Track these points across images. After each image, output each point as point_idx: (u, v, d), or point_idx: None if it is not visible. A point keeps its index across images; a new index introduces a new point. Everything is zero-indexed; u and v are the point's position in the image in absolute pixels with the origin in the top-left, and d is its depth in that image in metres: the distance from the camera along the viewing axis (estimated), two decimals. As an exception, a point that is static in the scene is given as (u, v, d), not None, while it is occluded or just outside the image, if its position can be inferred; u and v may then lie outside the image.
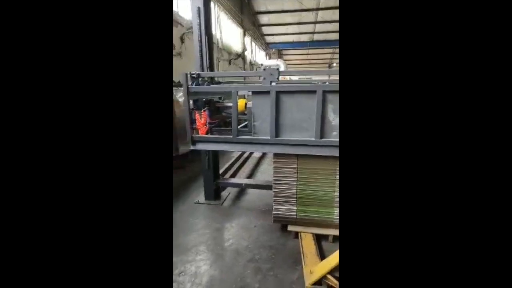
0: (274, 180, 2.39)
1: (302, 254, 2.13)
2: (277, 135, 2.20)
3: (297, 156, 2.28)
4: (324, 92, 2.03)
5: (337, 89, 2.10)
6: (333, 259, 1.75)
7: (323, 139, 2.14)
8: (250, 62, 12.50)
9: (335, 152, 2.13)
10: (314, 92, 2.03)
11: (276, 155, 2.32)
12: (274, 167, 2.36)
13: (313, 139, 2.14)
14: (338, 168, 2.22)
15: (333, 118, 2.13)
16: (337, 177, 2.25)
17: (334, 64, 22.57)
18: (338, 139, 2.12)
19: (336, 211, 2.33)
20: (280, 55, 21.11)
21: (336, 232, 2.36)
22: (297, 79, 5.15)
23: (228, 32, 9.14)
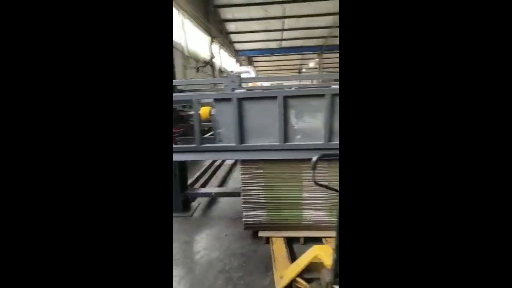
0: (243, 187, 2.37)
1: (272, 259, 2.13)
2: (242, 141, 2.20)
3: (263, 161, 2.29)
4: (285, 97, 2.09)
5: (299, 93, 2.17)
6: (302, 261, 1.77)
7: (287, 143, 2.18)
8: (220, 69, 12.48)
9: (300, 155, 2.18)
10: (275, 97, 2.08)
11: (242, 161, 2.31)
12: (242, 173, 2.35)
13: (277, 143, 2.17)
14: (304, 170, 2.27)
15: (296, 122, 2.19)
16: (304, 179, 2.30)
17: (304, 70, 23.43)
18: (301, 142, 2.19)
19: (305, 212, 2.38)
20: (250, 62, 21.40)
21: (306, 233, 2.40)
22: (269, 85, 5.25)
23: (194, 39, 9.04)
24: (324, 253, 1.61)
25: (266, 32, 14.83)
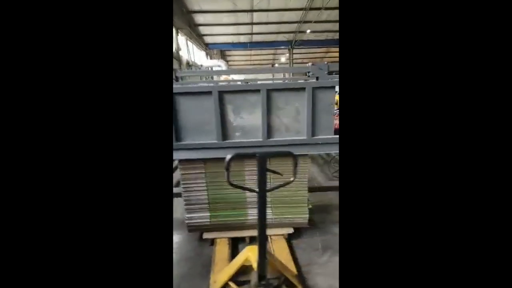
0: (184, 187, 2.24)
1: (212, 262, 2.04)
2: (179, 139, 2.06)
3: (204, 160, 2.18)
4: (221, 92, 1.98)
5: (236, 89, 2.08)
6: (234, 264, 1.70)
7: (226, 141, 2.09)
8: (188, 63, 12.03)
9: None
10: (211, 93, 1.96)
11: (181, 161, 2.17)
12: (182, 174, 2.22)
13: (215, 141, 2.07)
14: (246, 168, 2.20)
15: (234, 119, 2.09)
16: (247, 177, 2.23)
17: (276, 65, 23.49)
18: (241, 140, 2.10)
19: (250, 211, 2.32)
20: (223, 56, 20.96)
21: (252, 233, 2.34)
22: (243, 78, 5.10)
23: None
24: (253, 255, 1.55)
25: (236, 26, 14.55)
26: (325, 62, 2.15)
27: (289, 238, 2.39)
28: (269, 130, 2.07)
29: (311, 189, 3.12)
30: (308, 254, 2.21)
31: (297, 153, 2.19)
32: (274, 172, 1.39)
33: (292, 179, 1.39)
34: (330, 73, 2.39)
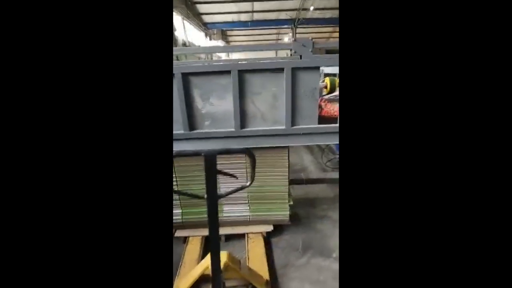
0: (152, 181, 2.04)
1: (181, 263, 1.87)
2: (141, 129, 1.82)
3: (173, 152, 1.95)
4: (185, 74, 1.70)
5: (203, 70, 1.79)
6: (195, 271, 1.51)
7: (194, 131, 1.83)
8: (184, 44, 11.49)
9: (211, 145, 1.85)
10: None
11: (146, 153, 1.95)
12: (148, 167, 2.00)
13: (181, 131, 1.82)
14: (219, 162, 1.97)
15: (202, 106, 1.83)
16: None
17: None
18: (211, 130, 1.85)
19: (225, 208, 2.12)
20: (223, 36, 20.12)
21: (227, 230, 2.16)
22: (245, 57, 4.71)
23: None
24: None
25: (236, 3, 13.74)
26: (310, 38, 1.82)
27: (268, 236, 2.21)
28: (242, 119, 1.80)
29: (297, 182, 2.90)
30: (287, 255, 2.03)
31: (275, 145, 1.95)
32: (226, 174, 1.15)
33: (248, 183, 1.14)
34: (328, 52, 2.08)
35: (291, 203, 2.15)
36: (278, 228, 2.25)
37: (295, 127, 1.82)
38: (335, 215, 2.53)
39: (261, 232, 2.16)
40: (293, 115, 1.80)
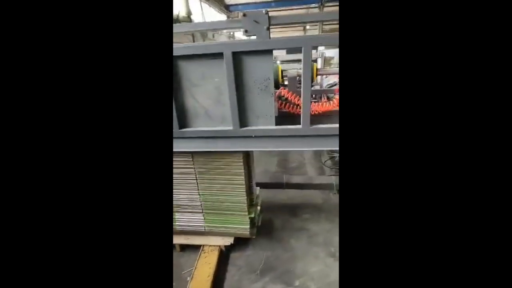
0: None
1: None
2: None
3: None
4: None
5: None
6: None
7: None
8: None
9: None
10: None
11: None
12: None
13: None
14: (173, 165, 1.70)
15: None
16: (175, 175, 1.74)
17: (308, 27, 21.08)
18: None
19: (178, 216, 1.87)
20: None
21: (182, 240, 1.92)
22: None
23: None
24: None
25: (259, -19, 12.90)
26: (264, 11, 1.39)
27: (229, 250, 1.93)
28: (181, 117, 1.49)
29: (276, 186, 2.53)
30: (241, 277, 1.73)
31: (221, 150, 1.61)
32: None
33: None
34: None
35: (253, 215, 1.83)
36: (242, 241, 1.95)
37: (245, 128, 1.46)
38: (315, 227, 2.14)
39: (219, 246, 1.88)
40: (242, 114, 1.43)
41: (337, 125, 1.40)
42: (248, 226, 1.83)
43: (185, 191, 1.77)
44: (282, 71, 1.80)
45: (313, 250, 1.91)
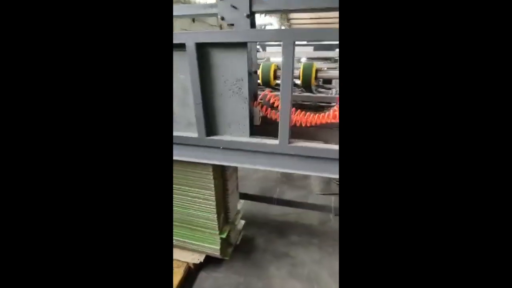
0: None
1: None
2: None
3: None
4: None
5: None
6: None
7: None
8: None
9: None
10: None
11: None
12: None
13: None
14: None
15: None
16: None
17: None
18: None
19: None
20: (288, 19, 18.78)
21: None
22: None
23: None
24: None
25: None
26: (244, -5, 1.11)
27: (199, 268, 1.71)
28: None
29: (265, 200, 2.26)
30: (202, 305, 1.51)
31: (184, 160, 1.37)
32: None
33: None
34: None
35: (224, 235, 1.59)
36: (216, 260, 1.73)
37: (212, 137, 1.21)
38: (302, 254, 1.84)
39: (187, 262, 1.68)
40: (209, 119, 1.19)
41: (321, 145, 1.09)
42: (218, 247, 1.59)
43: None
44: (275, 70, 1.51)
45: (292, 284, 1.62)
